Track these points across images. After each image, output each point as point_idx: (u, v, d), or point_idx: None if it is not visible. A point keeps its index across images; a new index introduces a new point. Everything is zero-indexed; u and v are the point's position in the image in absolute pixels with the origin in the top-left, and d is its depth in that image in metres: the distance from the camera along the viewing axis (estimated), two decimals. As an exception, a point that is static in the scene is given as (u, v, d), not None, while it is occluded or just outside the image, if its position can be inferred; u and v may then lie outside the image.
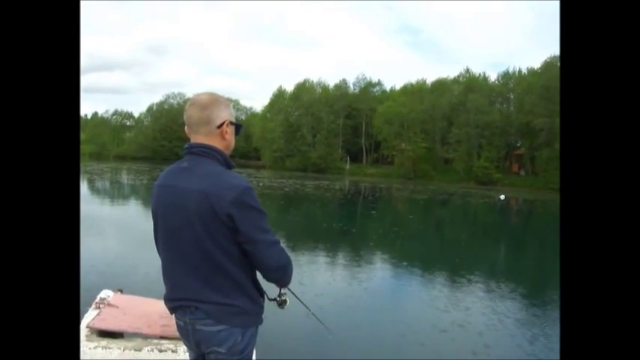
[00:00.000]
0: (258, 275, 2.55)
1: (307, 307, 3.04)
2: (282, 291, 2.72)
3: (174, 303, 2.54)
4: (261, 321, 2.59)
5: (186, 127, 2.55)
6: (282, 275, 2.52)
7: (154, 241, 2.65)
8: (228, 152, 2.57)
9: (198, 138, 2.50)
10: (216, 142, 2.50)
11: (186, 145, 2.53)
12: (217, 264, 2.38)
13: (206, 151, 2.46)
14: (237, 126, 2.63)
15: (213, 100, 2.52)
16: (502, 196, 41.48)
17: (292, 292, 2.78)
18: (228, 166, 2.51)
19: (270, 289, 2.67)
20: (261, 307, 2.58)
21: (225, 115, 2.53)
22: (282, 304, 2.73)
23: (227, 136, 2.54)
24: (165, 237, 2.52)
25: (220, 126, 2.50)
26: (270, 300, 2.70)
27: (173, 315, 2.62)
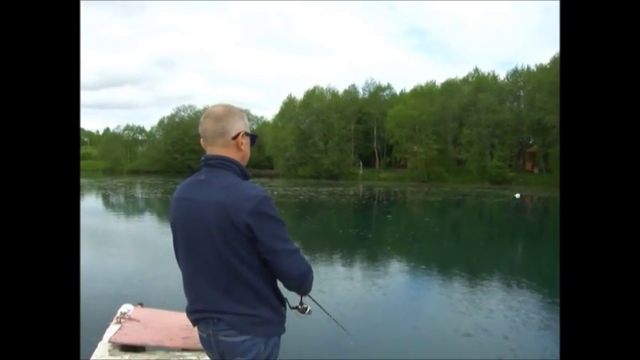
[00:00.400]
0: (279, 284, 2.55)
1: (328, 314, 3.03)
2: (303, 299, 2.72)
3: (196, 315, 2.54)
4: (283, 330, 2.59)
5: (201, 140, 2.56)
6: (302, 283, 2.51)
7: (171, 254, 2.66)
8: (244, 163, 2.58)
9: (214, 150, 2.51)
10: (232, 154, 2.51)
11: (202, 158, 2.54)
12: (238, 274, 2.38)
13: (223, 163, 2.47)
14: (253, 137, 2.64)
15: (228, 112, 2.53)
16: (517, 195, 41.28)
17: (313, 299, 2.78)
18: (245, 177, 2.52)
19: (290, 297, 2.67)
20: (283, 316, 2.58)
21: (241, 126, 2.54)
22: (303, 312, 2.73)
23: (243, 147, 2.55)
24: (185, 249, 2.52)
25: (236, 137, 2.51)
26: (292, 308, 2.69)
27: (195, 327, 2.62)
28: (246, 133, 2.57)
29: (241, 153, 2.55)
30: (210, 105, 2.74)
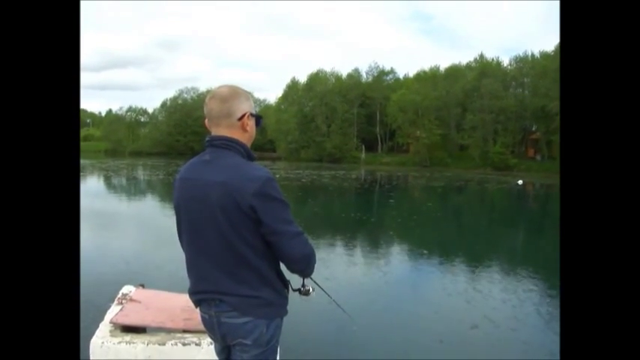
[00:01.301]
0: (281, 266, 2.54)
1: (330, 296, 3.02)
2: (306, 281, 2.71)
3: (198, 296, 2.54)
4: (285, 312, 2.59)
5: (206, 120, 2.55)
6: (305, 266, 2.51)
7: (173, 235, 2.65)
8: (249, 144, 2.56)
9: (219, 130, 2.50)
10: (237, 135, 2.50)
11: (207, 138, 2.52)
12: (241, 256, 2.38)
13: (228, 144, 2.46)
14: (258, 118, 2.63)
15: (234, 93, 2.52)
16: (520, 181, 41.32)
17: (315, 282, 2.77)
18: (250, 158, 2.51)
19: (293, 280, 2.66)
20: (286, 299, 2.59)
21: (246, 107, 2.53)
22: (305, 294, 2.73)
23: (248, 128, 2.54)
24: (189, 230, 2.51)
25: (241, 118, 2.50)
26: (294, 290, 2.69)
27: (197, 308, 2.62)
28: (252, 114, 2.56)
29: (247, 134, 2.54)
30: (212, 87, 2.71)
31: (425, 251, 12.99)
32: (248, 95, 2.60)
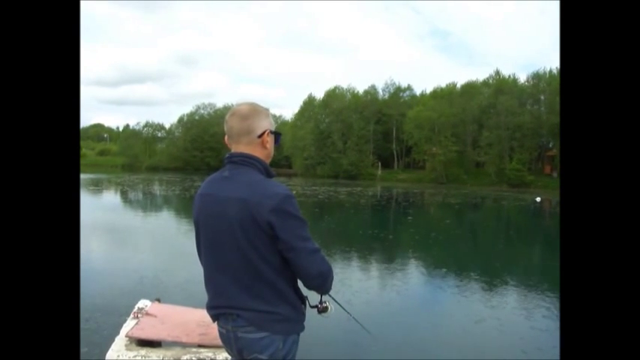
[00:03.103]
0: (299, 283, 2.54)
1: (348, 312, 3.02)
2: (323, 298, 2.70)
3: (216, 310, 2.55)
4: (302, 328, 2.58)
5: (226, 137, 2.58)
6: (322, 283, 2.51)
7: (189, 251, 2.66)
8: (268, 161, 2.59)
9: (239, 147, 2.52)
10: (256, 152, 2.52)
11: (227, 155, 2.56)
12: (258, 272, 2.39)
13: (247, 160, 2.48)
14: (277, 135, 2.65)
15: (254, 110, 2.55)
16: (538, 199, 41.15)
17: (333, 298, 2.77)
18: (269, 175, 2.53)
19: (311, 296, 2.65)
20: (303, 315, 2.58)
21: (266, 124, 2.56)
22: (323, 310, 2.72)
23: (268, 146, 2.57)
24: (207, 245, 2.53)
25: (261, 135, 2.53)
26: (312, 307, 2.69)
27: (215, 323, 2.63)
28: (271, 132, 2.58)
29: (266, 151, 2.57)
30: (229, 103, 2.75)
31: (445, 269, 12.83)
32: (268, 112, 2.62)
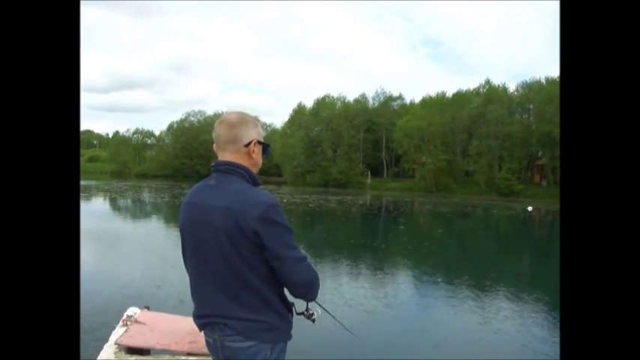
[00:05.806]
0: (286, 291, 2.55)
1: (334, 317, 3.01)
2: (310, 305, 2.72)
3: (203, 320, 2.54)
4: (289, 337, 2.59)
5: (214, 145, 2.58)
6: (308, 291, 2.51)
7: (177, 258, 2.67)
8: (254, 171, 2.58)
9: (225, 156, 2.52)
10: (243, 161, 2.52)
11: (212, 163, 2.55)
12: (245, 280, 2.39)
13: (232, 169, 2.48)
14: (265, 146, 2.65)
15: (242, 119, 2.55)
16: (529, 208, 41.31)
17: (319, 304, 2.77)
18: (255, 184, 2.53)
19: (297, 303, 2.67)
20: (290, 323, 2.58)
21: (253, 134, 2.55)
22: (309, 317, 2.74)
23: (254, 155, 2.56)
24: (193, 254, 2.53)
25: (248, 145, 2.52)
26: (298, 314, 2.70)
27: (202, 332, 2.63)
28: (259, 142, 2.58)
29: (252, 161, 2.56)
30: (219, 110, 2.76)
31: (439, 279, 12.86)
32: (257, 122, 2.62)
